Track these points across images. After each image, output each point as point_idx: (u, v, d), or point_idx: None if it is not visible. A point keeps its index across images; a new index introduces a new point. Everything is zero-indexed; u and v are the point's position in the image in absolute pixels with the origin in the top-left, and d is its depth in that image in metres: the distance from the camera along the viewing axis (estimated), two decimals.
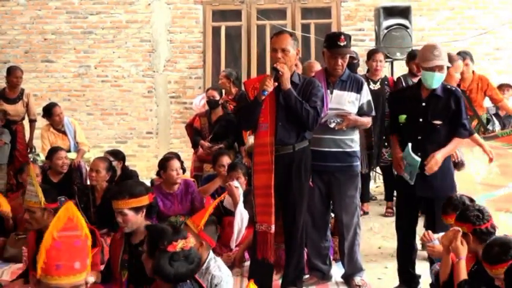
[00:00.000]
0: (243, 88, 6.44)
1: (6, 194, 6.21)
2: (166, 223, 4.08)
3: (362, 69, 7.40)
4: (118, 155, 6.35)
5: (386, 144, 6.38)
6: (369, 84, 5.58)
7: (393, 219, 5.10)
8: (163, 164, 5.41)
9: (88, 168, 6.21)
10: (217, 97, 6.79)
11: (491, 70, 8.75)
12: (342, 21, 9.10)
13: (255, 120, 4.14)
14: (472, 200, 3.78)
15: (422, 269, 4.48)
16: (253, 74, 8.93)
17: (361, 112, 4.48)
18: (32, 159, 7.36)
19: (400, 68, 7.77)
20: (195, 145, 6.84)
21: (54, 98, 8.74)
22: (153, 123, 9.30)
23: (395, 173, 4.47)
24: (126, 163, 6.57)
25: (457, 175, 4.62)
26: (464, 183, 4.85)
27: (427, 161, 4.14)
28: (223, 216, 5.32)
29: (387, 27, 7.68)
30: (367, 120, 4.56)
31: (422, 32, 8.99)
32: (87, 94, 9.30)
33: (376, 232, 6.05)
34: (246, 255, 4.91)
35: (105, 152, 6.60)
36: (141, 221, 3.68)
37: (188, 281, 2.88)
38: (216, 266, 3.79)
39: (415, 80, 6.23)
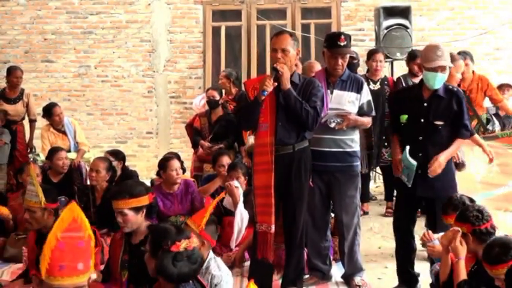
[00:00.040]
0: (243, 88, 6.45)
1: (6, 194, 6.21)
2: (169, 223, 4.08)
3: (362, 69, 7.40)
4: (118, 155, 6.36)
5: (386, 144, 6.39)
6: (368, 84, 5.58)
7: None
8: (163, 164, 5.41)
9: (88, 168, 6.21)
10: (217, 97, 6.79)
11: (491, 70, 8.75)
12: (342, 21, 9.10)
13: (255, 120, 4.14)
14: (472, 200, 3.78)
15: (423, 269, 4.49)
16: (253, 74, 8.93)
17: (361, 112, 4.48)
18: (32, 159, 7.35)
19: (400, 68, 7.77)
20: (195, 145, 6.84)
21: (54, 98, 8.74)
22: (153, 123, 9.30)
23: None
24: (126, 163, 6.58)
25: (457, 174, 4.62)
26: (464, 182, 4.86)
27: (430, 164, 4.14)
28: (223, 216, 5.32)
29: (387, 27, 7.67)
30: (367, 120, 4.56)
31: (422, 32, 8.99)
32: (87, 94, 9.30)
33: (376, 232, 6.05)
34: (246, 255, 4.91)
35: (105, 152, 6.61)
36: (141, 221, 3.68)
37: (190, 281, 2.89)
38: (216, 265, 3.79)
39: (415, 80, 6.24)
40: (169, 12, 9.22)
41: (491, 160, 5.13)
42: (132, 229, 3.66)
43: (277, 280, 4.41)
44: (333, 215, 4.75)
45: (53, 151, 6.36)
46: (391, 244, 5.25)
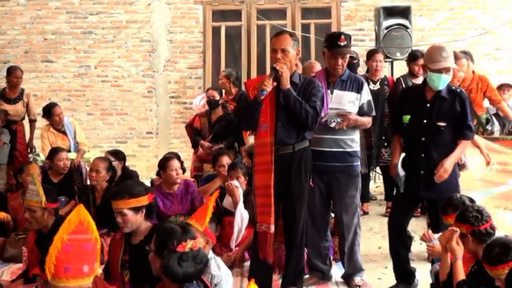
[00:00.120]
0: (243, 88, 6.45)
1: (5, 194, 6.22)
2: (175, 223, 4.07)
3: (362, 69, 7.40)
4: (119, 155, 6.36)
5: (386, 144, 6.39)
6: (368, 85, 5.57)
7: None
8: (163, 164, 5.41)
9: (88, 168, 6.21)
10: (217, 97, 6.79)
11: (491, 70, 8.74)
12: (342, 21, 9.10)
13: (254, 120, 4.14)
14: (472, 201, 3.78)
15: (423, 269, 4.49)
16: (253, 74, 8.93)
17: (361, 112, 4.48)
18: (32, 159, 7.35)
19: (400, 68, 7.77)
20: (195, 145, 6.84)
21: (54, 98, 8.74)
22: (153, 123, 9.30)
23: None
24: (126, 163, 6.58)
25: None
26: (464, 180, 4.86)
27: (436, 170, 4.14)
28: (223, 216, 5.32)
29: (387, 27, 7.67)
30: (367, 120, 4.56)
31: (422, 32, 8.99)
32: (87, 94, 9.30)
33: (376, 232, 6.05)
34: (246, 255, 4.91)
35: (105, 152, 6.61)
36: (140, 221, 3.68)
37: (194, 281, 2.89)
38: (216, 265, 3.79)
39: (415, 80, 6.25)
40: (169, 12, 9.22)
41: (488, 163, 5.16)
42: (131, 229, 3.66)
43: (277, 280, 4.41)
44: (333, 215, 4.76)
45: (54, 152, 6.35)
46: None
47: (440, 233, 3.57)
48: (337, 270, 4.78)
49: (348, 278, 4.60)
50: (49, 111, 7.11)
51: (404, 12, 7.78)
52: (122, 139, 9.25)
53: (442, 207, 3.92)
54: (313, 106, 4.08)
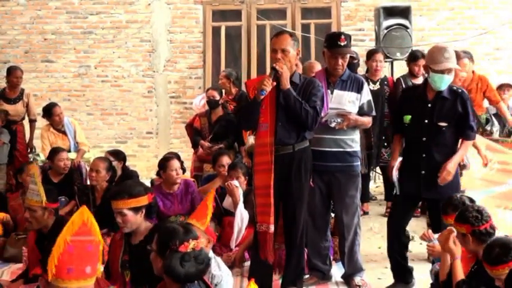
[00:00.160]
0: (243, 88, 6.45)
1: (5, 194, 6.22)
2: (175, 223, 4.07)
3: (362, 69, 7.40)
4: (119, 155, 6.36)
5: (386, 144, 6.39)
6: (368, 85, 5.57)
7: None
8: (163, 164, 5.41)
9: (88, 168, 6.21)
10: (217, 97, 6.79)
11: (491, 70, 8.74)
12: (342, 21, 9.10)
13: (254, 120, 4.14)
14: (472, 200, 3.78)
15: (423, 269, 4.48)
16: (253, 74, 8.93)
17: (361, 112, 4.48)
18: (32, 159, 7.35)
19: (400, 68, 7.77)
20: (195, 145, 6.84)
21: (54, 98, 8.74)
22: (153, 123, 9.30)
23: None
24: (126, 163, 6.58)
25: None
26: (465, 179, 4.87)
27: (440, 172, 4.14)
28: (223, 216, 5.32)
29: (387, 27, 7.67)
30: (367, 120, 4.56)
31: (422, 32, 8.99)
32: (87, 94, 9.30)
33: (376, 232, 6.05)
34: (246, 255, 4.91)
35: (106, 152, 6.61)
36: (140, 221, 3.68)
37: (196, 281, 2.89)
38: (216, 265, 3.79)
39: (415, 81, 6.25)
40: (169, 12, 9.22)
41: (485, 164, 5.17)
42: (131, 229, 3.66)
43: (277, 280, 4.41)
44: (333, 215, 4.76)
45: (54, 152, 6.35)
46: None
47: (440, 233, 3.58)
48: (337, 270, 4.78)
49: (348, 278, 4.60)
50: (49, 111, 7.11)
51: (404, 12, 7.78)
52: (122, 139, 9.25)
53: (442, 207, 3.92)
54: (313, 106, 4.08)
